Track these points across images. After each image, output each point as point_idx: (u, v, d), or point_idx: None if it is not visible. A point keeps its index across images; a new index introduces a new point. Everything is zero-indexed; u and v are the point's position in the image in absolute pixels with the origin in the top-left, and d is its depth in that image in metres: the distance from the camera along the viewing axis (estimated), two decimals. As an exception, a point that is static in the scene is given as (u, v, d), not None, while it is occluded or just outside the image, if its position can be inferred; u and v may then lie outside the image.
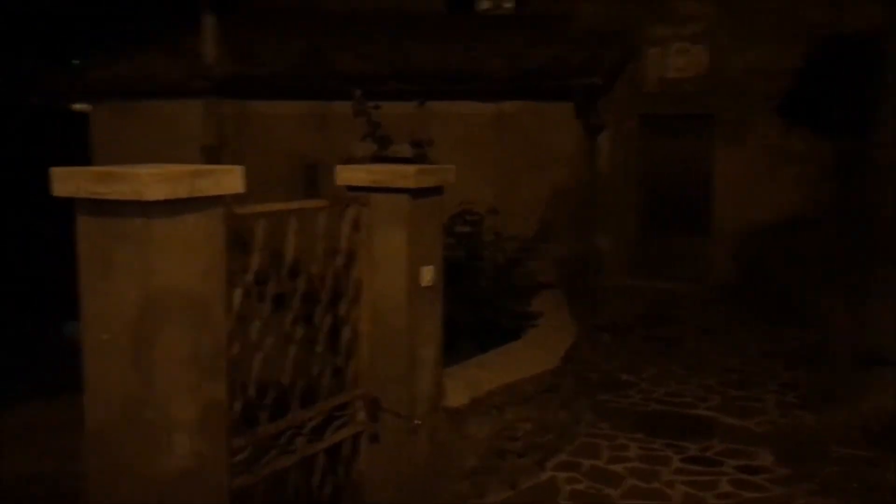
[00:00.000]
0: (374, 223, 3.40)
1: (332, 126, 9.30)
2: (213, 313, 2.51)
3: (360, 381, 3.44)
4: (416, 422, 3.47)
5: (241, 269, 2.76)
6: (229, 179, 2.52)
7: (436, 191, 3.54)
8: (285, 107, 10.10)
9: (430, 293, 3.56)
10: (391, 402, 3.46)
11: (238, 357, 2.74)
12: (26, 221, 11.28)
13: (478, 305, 5.10)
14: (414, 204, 3.38)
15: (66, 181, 2.32)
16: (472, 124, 9.33)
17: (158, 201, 2.27)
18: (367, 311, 3.43)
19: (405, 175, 3.32)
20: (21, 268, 11.03)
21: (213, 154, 10.21)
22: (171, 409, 2.37)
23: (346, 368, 3.39)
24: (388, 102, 5.66)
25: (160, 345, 2.32)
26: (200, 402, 2.46)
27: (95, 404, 2.40)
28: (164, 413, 2.35)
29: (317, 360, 3.22)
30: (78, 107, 11.29)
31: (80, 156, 9.64)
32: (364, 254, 3.40)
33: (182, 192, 2.33)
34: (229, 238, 2.61)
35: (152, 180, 2.24)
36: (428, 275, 3.49)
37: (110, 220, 2.31)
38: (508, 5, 10.95)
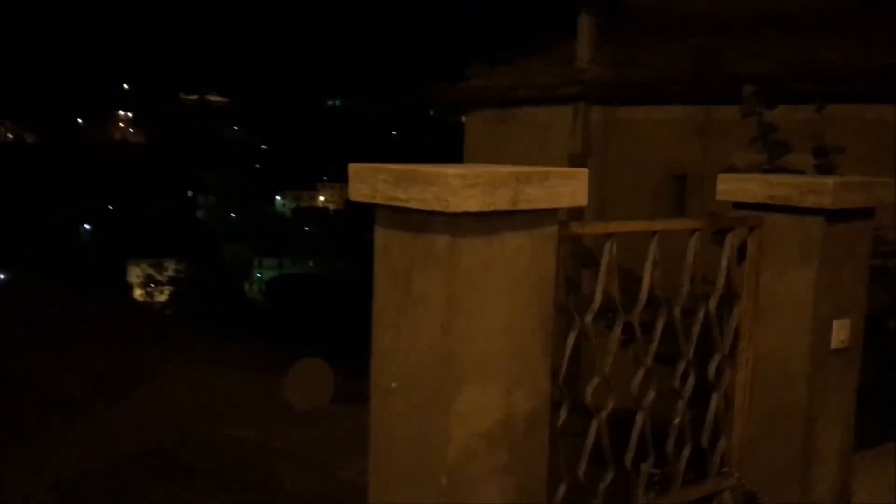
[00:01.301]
0: (768, 254, 2.49)
1: (712, 133, 8.33)
2: (534, 369, 1.85)
3: (731, 467, 2.55)
4: (808, 535, 2.49)
5: (576, 306, 2.06)
6: (569, 188, 1.84)
7: (863, 214, 2.51)
8: (659, 112, 9.30)
9: (843, 358, 2.53)
10: (774, 501, 2.52)
11: (565, 425, 2.06)
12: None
13: (897, 369, 3.82)
14: (830, 231, 2.39)
15: (365, 181, 1.81)
16: (886, 133, 7.68)
17: (469, 213, 1.66)
18: (745, 375, 2.52)
19: (820, 189, 2.34)
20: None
21: (580, 162, 9.80)
22: (467, 494, 1.75)
23: (713, 449, 2.53)
24: (784, 106, 4.59)
25: (456, 409, 1.71)
26: (509, 488, 1.82)
27: (377, 462, 1.88)
28: (456, 499, 1.74)
29: (673, 432, 2.41)
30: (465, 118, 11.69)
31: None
32: (749, 296, 2.50)
33: (502, 202, 1.70)
34: (562, 265, 1.93)
35: (461, 185, 1.63)
36: (842, 332, 2.48)
37: (409, 236, 1.76)
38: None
